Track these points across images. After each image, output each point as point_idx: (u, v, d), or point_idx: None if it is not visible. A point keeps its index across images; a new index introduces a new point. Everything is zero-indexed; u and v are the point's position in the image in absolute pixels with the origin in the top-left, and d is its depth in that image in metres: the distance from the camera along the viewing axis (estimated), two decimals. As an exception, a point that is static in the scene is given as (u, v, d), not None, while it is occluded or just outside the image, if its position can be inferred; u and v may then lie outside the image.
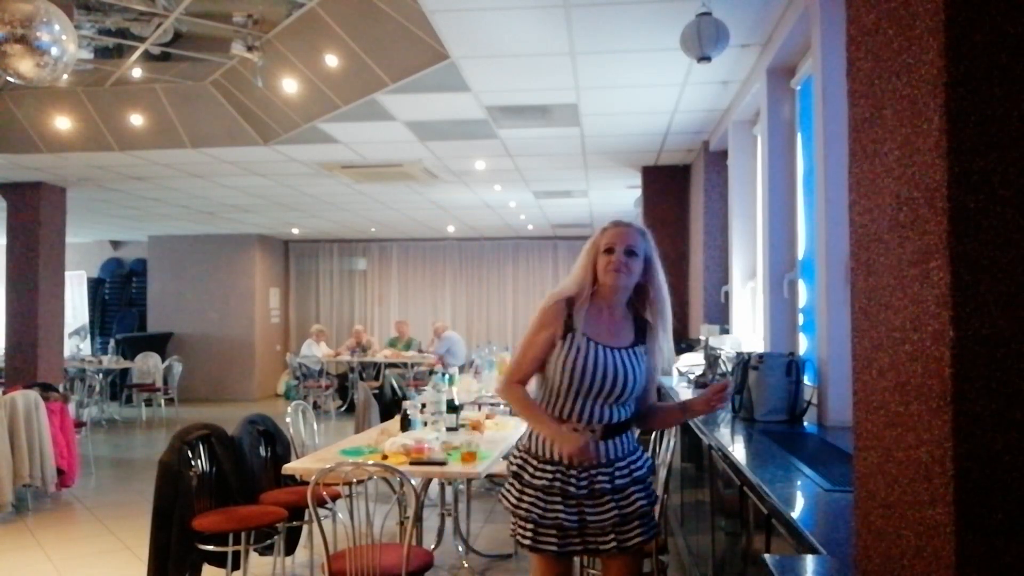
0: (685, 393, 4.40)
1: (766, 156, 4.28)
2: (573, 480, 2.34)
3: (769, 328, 4.20)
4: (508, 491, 2.45)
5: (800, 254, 4.06)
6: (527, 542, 2.37)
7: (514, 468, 2.45)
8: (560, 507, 2.33)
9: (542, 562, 2.40)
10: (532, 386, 2.56)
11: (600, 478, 2.35)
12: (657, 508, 2.54)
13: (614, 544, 2.36)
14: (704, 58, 3.61)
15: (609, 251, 2.40)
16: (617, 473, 2.38)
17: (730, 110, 5.45)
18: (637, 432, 2.57)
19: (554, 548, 2.34)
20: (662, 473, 3.35)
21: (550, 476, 2.36)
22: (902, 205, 1.16)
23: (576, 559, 3.39)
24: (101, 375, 10.13)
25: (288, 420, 4.55)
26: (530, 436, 2.45)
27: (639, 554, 2.48)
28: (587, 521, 2.34)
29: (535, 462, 2.40)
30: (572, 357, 2.36)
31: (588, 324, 2.40)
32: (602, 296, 2.44)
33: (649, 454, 2.54)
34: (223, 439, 4.06)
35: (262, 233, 13.25)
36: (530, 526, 2.36)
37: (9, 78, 3.23)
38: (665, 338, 2.48)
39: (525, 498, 2.38)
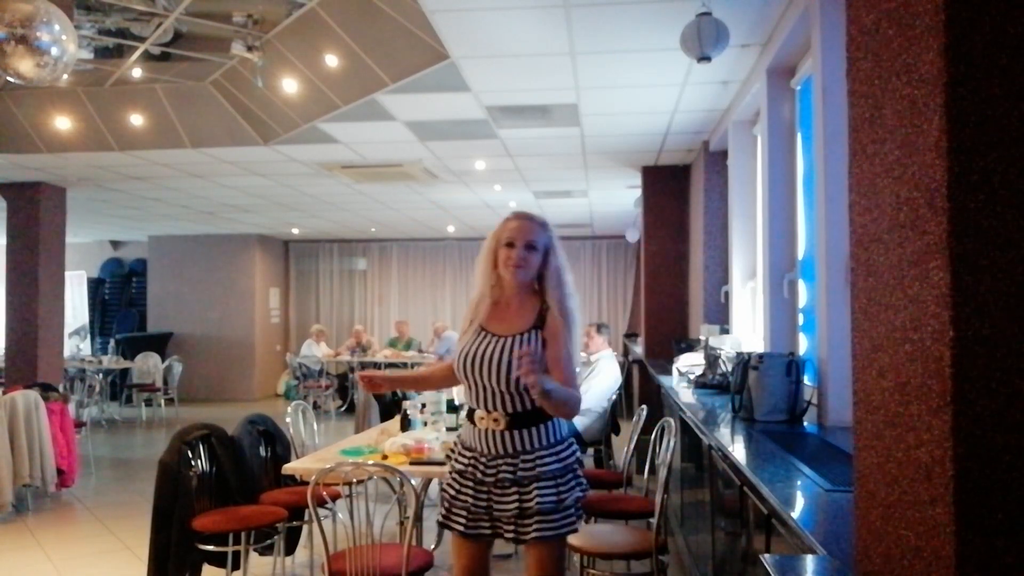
0: (685, 393, 4.40)
1: (766, 156, 4.28)
2: (482, 468, 2.44)
3: (769, 328, 4.20)
4: (445, 470, 2.63)
5: (800, 254, 4.06)
6: (439, 518, 2.52)
7: (449, 452, 2.62)
8: (470, 491, 2.44)
9: (454, 540, 2.51)
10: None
11: (504, 468, 2.41)
12: (573, 504, 2.46)
13: (513, 535, 2.42)
14: (704, 58, 3.61)
15: (510, 245, 2.47)
16: (522, 465, 2.40)
17: (730, 110, 5.45)
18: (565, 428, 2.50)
19: (461, 528, 2.45)
20: (662, 473, 3.35)
21: (466, 461, 2.49)
22: (902, 205, 1.16)
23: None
24: (101, 375, 10.13)
25: (288, 420, 4.55)
26: (461, 425, 2.62)
27: (552, 547, 2.40)
28: (493, 508, 2.42)
29: (459, 447, 2.56)
30: (462, 348, 2.50)
31: (490, 315, 2.52)
32: (504, 287, 2.52)
33: (576, 449, 2.53)
34: (223, 439, 4.06)
35: (262, 233, 13.25)
36: (445, 504, 2.50)
37: (9, 78, 3.23)
38: (561, 327, 2.41)
39: (446, 478, 2.54)
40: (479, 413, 2.47)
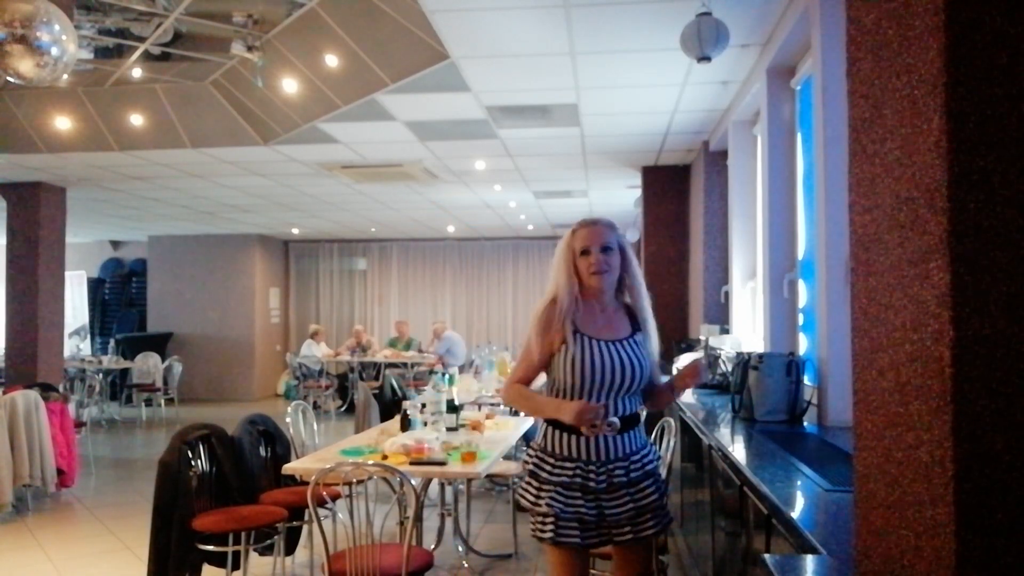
0: (685, 394, 4.39)
1: (766, 156, 4.28)
2: (592, 475, 2.40)
3: (769, 328, 4.20)
4: (526, 490, 2.49)
5: (800, 254, 4.06)
6: (548, 536, 2.40)
7: (530, 467, 2.50)
8: (580, 501, 2.39)
9: (563, 555, 2.42)
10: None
11: (617, 472, 2.42)
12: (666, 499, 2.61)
13: (630, 536, 2.43)
14: (704, 58, 3.61)
15: (586, 253, 2.47)
16: (632, 467, 2.44)
17: (730, 110, 5.45)
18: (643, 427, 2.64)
19: (577, 540, 2.39)
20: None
21: (570, 472, 2.41)
22: (902, 205, 1.16)
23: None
24: (101, 375, 10.13)
25: (288, 420, 4.55)
26: (544, 435, 2.50)
27: (650, 546, 2.56)
28: (605, 514, 2.40)
29: (552, 460, 2.46)
30: (579, 357, 2.42)
31: (585, 323, 2.48)
32: (591, 295, 2.51)
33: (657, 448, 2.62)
34: (223, 439, 4.06)
35: (262, 233, 13.25)
36: (550, 520, 2.40)
37: (9, 78, 3.23)
38: (650, 322, 2.60)
39: (543, 495, 2.42)
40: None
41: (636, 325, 2.56)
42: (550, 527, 2.40)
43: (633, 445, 2.48)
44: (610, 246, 2.49)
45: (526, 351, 2.54)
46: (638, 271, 2.59)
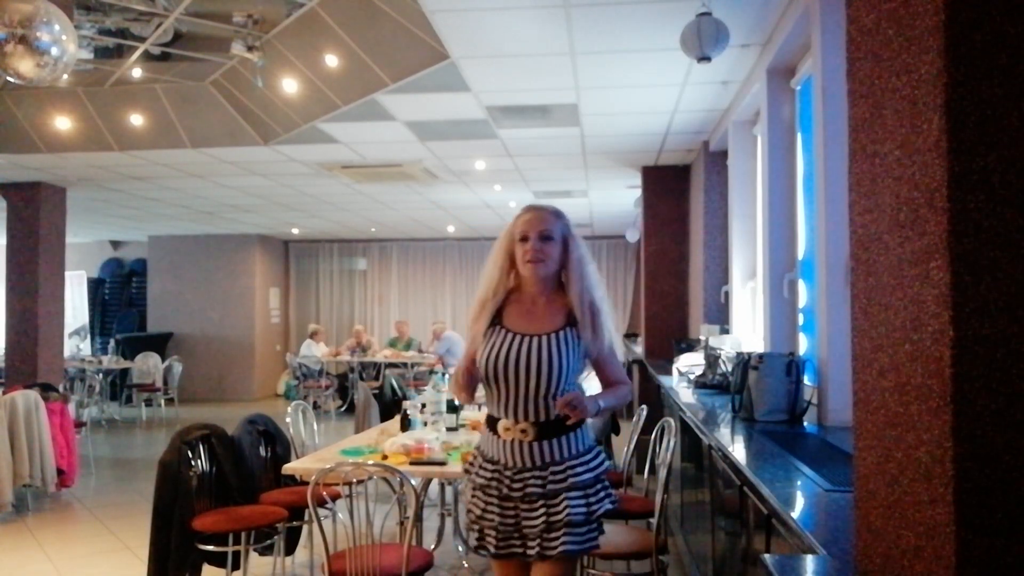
0: (685, 393, 4.40)
1: (766, 156, 4.28)
2: (507, 482, 2.25)
3: (769, 328, 4.20)
4: (466, 485, 2.39)
5: (800, 254, 4.06)
6: (473, 542, 2.31)
7: (467, 466, 2.40)
8: (496, 508, 2.25)
9: (496, 565, 2.33)
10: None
11: (532, 482, 2.23)
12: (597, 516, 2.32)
13: (536, 551, 2.21)
14: (704, 58, 3.61)
15: (524, 239, 2.32)
16: (551, 477, 2.23)
17: (730, 110, 5.45)
18: (593, 433, 2.43)
19: (492, 549, 2.26)
20: (662, 473, 3.35)
21: (488, 476, 2.28)
22: (902, 205, 1.16)
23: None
24: (101, 375, 10.13)
25: (288, 420, 4.55)
26: (482, 434, 2.39)
27: (571, 563, 2.29)
28: (522, 524, 2.23)
29: (481, 459, 2.35)
30: (488, 350, 2.28)
31: (512, 314, 2.33)
32: (527, 285, 2.35)
33: (605, 457, 2.38)
34: (223, 439, 4.05)
35: (262, 233, 13.25)
36: (476, 526, 2.30)
37: (9, 78, 3.23)
38: (594, 319, 2.31)
39: (472, 497, 2.32)
40: (504, 423, 2.27)
41: (571, 320, 2.31)
42: (475, 534, 2.29)
43: (556, 454, 2.24)
44: (550, 235, 2.30)
45: (469, 339, 2.40)
46: (584, 266, 2.34)
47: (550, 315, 2.32)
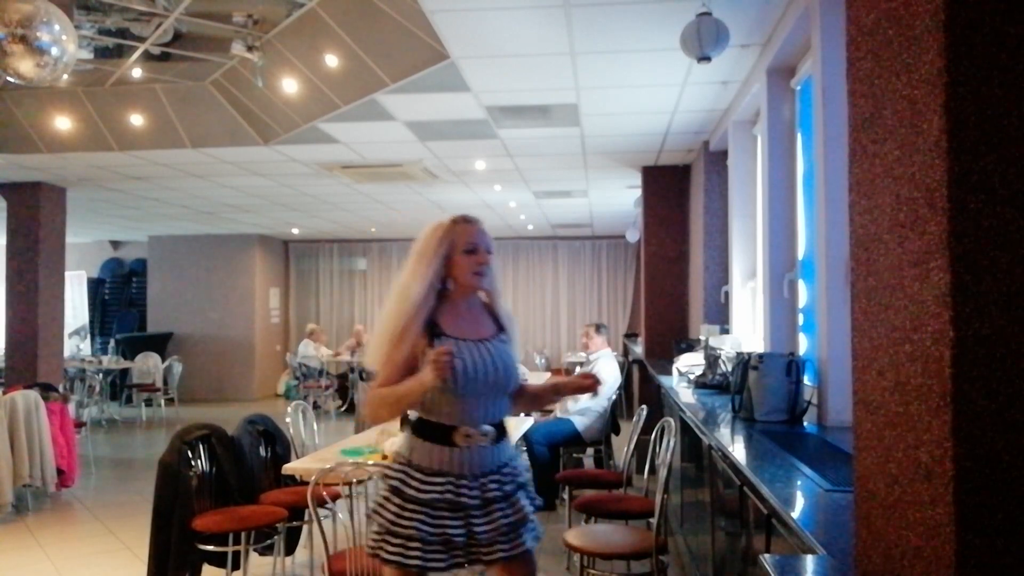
0: (685, 393, 4.40)
1: (766, 156, 4.28)
2: (465, 489, 2.21)
3: (769, 328, 4.20)
4: (384, 507, 2.23)
5: (800, 254, 4.06)
6: (414, 562, 2.15)
7: (394, 483, 2.24)
8: (448, 521, 2.18)
9: None
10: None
11: (491, 486, 2.24)
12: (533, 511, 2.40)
13: (501, 555, 2.22)
14: (704, 58, 3.61)
15: (472, 251, 2.31)
16: (505, 479, 2.28)
17: (730, 110, 5.45)
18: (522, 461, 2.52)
19: (442, 566, 2.18)
20: (662, 473, 3.35)
21: (440, 489, 2.20)
22: (902, 205, 1.16)
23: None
24: (101, 375, 10.13)
25: (288, 420, 4.54)
26: (412, 447, 2.28)
27: (533, 559, 2.34)
28: (474, 532, 2.20)
29: (420, 475, 2.23)
30: (463, 361, 2.22)
31: (448, 323, 2.30)
32: (457, 294, 2.35)
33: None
34: (223, 439, 4.06)
35: (262, 233, 13.25)
36: (415, 545, 2.16)
37: (9, 78, 3.23)
38: (514, 324, 2.46)
39: (406, 515, 2.19)
40: (463, 431, 2.23)
41: (499, 326, 2.40)
42: (415, 552, 2.16)
43: (506, 455, 2.31)
44: (491, 249, 2.36)
45: (385, 359, 2.25)
46: (498, 279, 2.45)
47: (483, 322, 2.38)
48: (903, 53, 1.16)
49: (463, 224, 2.35)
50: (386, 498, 2.25)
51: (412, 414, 2.34)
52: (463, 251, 2.31)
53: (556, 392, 2.55)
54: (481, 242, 2.33)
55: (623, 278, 13.57)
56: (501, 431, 2.32)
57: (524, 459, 2.49)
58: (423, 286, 2.27)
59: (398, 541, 2.18)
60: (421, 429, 2.28)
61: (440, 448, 2.23)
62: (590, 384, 2.35)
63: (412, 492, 2.21)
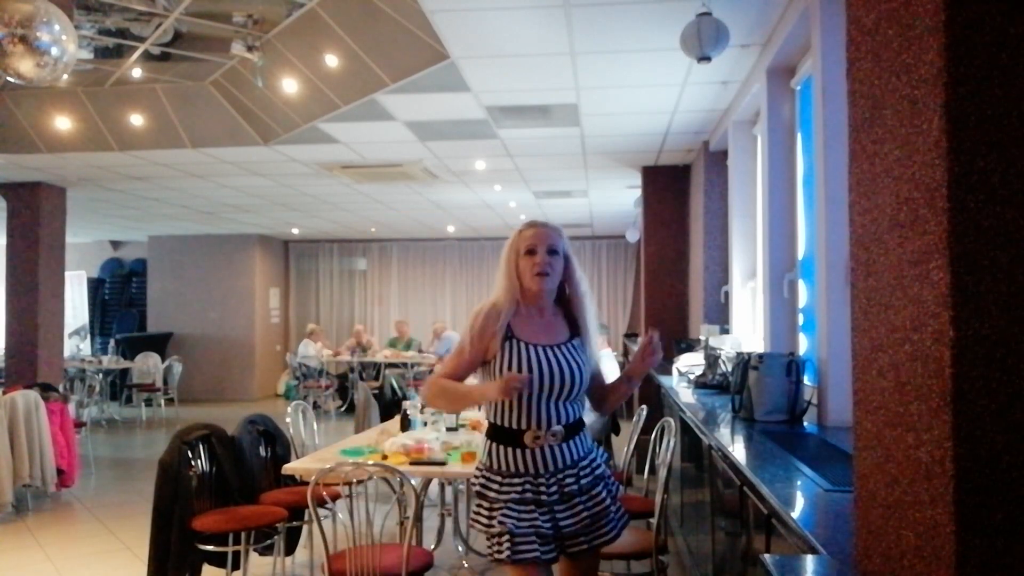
0: (685, 393, 4.40)
1: (766, 156, 4.28)
2: (543, 487, 2.33)
3: (769, 328, 4.20)
4: (479, 513, 2.39)
5: (800, 254, 4.06)
6: (506, 555, 2.29)
7: (477, 488, 2.41)
8: (535, 514, 2.31)
9: (525, 573, 2.31)
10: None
11: (568, 480, 2.35)
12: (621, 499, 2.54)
13: (585, 546, 2.38)
14: (704, 58, 3.61)
15: (531, 253, 2.39)
16: (582, 473, 2.38)
17: (730, 110, 5.45)
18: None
19: (536, 554, 2.29)
20: (662, 473, 3.35)
21: (520, 488, 2.33)
22: (902, 205, 1.16)
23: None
24: (101, 375, 10.13)
25: (288, 420, 4.55)
26: (488, 453, 2.41)
27: (599, 555, 2.50)
28: (560, 526, 2.33)
29: (499, 478, 2.37)
30: (515, 363, 2.34)
31: (522, 328, 2.40)
32: (529, 299, 2.42)
33: (603, 455, 2.56)
34: (223, 439, 4.06)
35: (262, 233, 13.25)
36: (506, 539, 2.30)
37: (9, 78, 3.23)
38: (591, 329, 2.49)
39: (496, 514, 2.33)
40: (532, 433, 2.34)
41: (575, 331, 2.46)
42: (507, 546, 2.29)
43: (580, 451, 2.41)
44: (556, 249, 2.41)
45: (459, 350, 2.43)
46: (582, 283, 2.50)
47: (557, 327, 2.45)
48: (903, 53, 1.16)
49: (525, 229, 2.45)
50: (478, 504, 2.39)
51: (487, 417, 2.47)
52: (523, 254, 2.40)
53: (629, 379, 2.57)
54: (541, 243, 2.39)
55: (623, 278, 13.57)
56: (572, 430, 2.39)
57: (603, 453, 2.53)
58: (500, 292, 2.42)
59: (494, 540, 2.33)
60: (494, 434, 2.41)
61: (512, 450, 2.36)
62: (649, 350, 2.41)
63: (494, 494, 2.35)
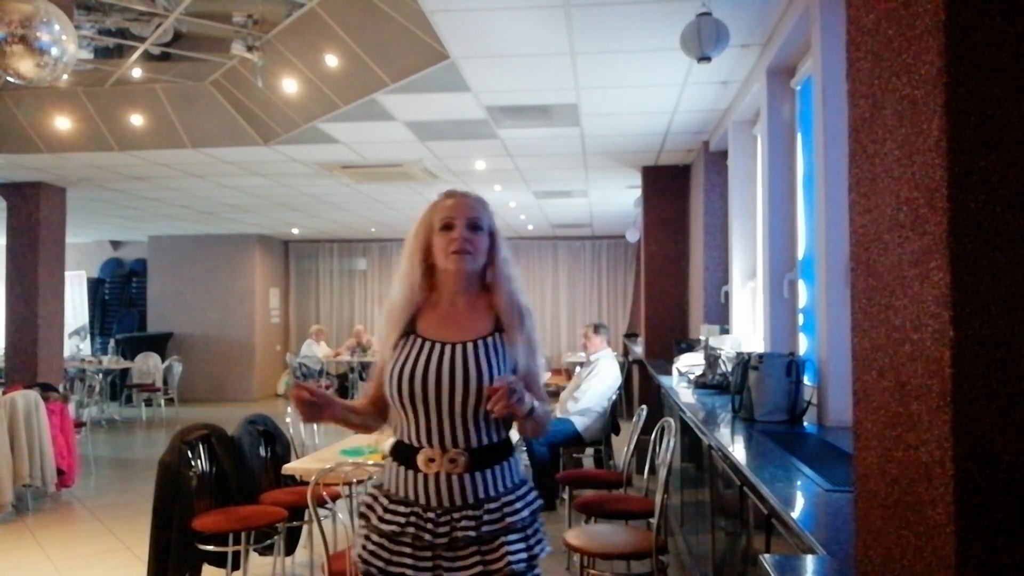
0: (685, 393, 4.40)
1: (766, 156, 4.28)
2: (430, 525, 1.81)
3: (769, 328, 4.20)
4: (359, 534, 1.92)
5: (800, 254, 4.06)
6: None
7: (362, 508, 1.93)
8: (408, 559, 1.81)
9: None
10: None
11: (463, 523, 1.81)
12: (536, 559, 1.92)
13: None
14: (704, 58, 3.61)
15: (448, 228, 1.91)
16: (486, 517, 1.83)
17: (730, 110, 5.45)
18: (522, 464, 2.02)
19: None
20: (662, 473, 3.35)
21: (402, 520, 1.83)
22: (902, 205, 1.16)
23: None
24: (101, 375, 10.13)
25: (288, 420, 4.55)
26: (385, 470, 1.94)
27: None
28: None
29: (385, 501, 1.88)
30: (398, 364, 1.87)
31: (426, 321, 1.94)
32: (445, 284, 1.95)
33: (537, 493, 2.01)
34: (223, 439, 4.06)
35: (262, 233, 13.25)
36: None
37: (9, 78, 3.23)
38: (522, 326, 1.94)
39: (368, 545, 1.86)
40: (426, 453, 1.83)
41: (499, 327, 1.93)
42: None
43: (489, 489, 1.84)
44: (479, 224, 1.92)
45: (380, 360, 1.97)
46: (510, 267, 2.00)
47: (473, 320, 1.93)
48: (903, 53, 1.16)
49: (443, 199, 1.98)
50: (362, 524, 1.93)
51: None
52: (439, 230, 1.93)
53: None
54: (460, 216, 1.91)
55: (623, 278, 13.57)
56: (483, 456, 1.85)
57: (531, 497, 1.94)
58: (401, 280, 1.98)
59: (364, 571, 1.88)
60: (393, 448, 1.94)
61: (404, 471, 1.87)
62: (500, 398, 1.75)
63: (375, 520, 1.87)
